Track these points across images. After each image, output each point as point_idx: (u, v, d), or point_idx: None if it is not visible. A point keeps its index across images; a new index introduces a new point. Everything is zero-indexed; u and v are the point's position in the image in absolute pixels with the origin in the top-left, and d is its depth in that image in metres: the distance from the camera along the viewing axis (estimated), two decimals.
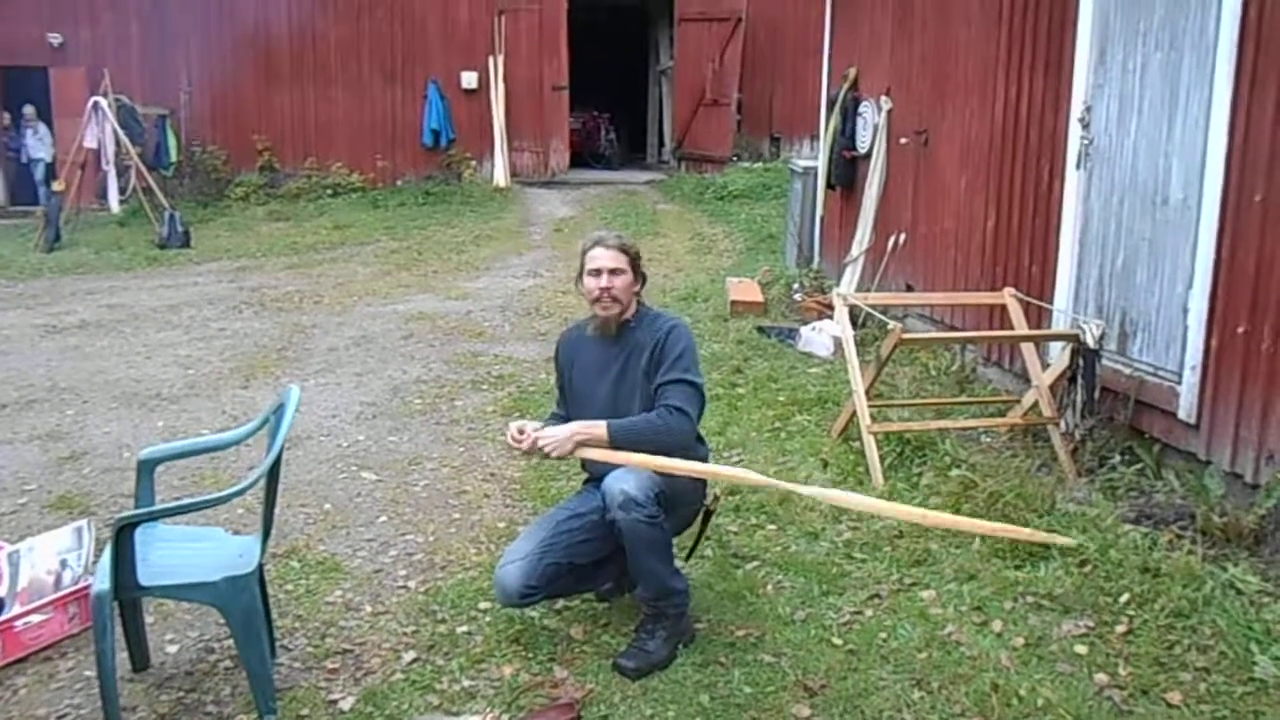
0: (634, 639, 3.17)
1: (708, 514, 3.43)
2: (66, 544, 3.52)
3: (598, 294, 3.25)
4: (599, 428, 3.10)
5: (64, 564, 3.47)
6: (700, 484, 3.37)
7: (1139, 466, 4.28)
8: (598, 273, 3.25)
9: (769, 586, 3.61)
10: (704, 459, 3.39)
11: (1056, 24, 5.17)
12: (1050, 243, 5.24)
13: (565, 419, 3.32)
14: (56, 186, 13.30)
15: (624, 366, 3.28)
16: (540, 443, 3.11)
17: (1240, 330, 3.88)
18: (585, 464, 3.44)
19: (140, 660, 3.14)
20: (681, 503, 3.25)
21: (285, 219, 14.77)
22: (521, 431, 3.16)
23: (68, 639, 3.31)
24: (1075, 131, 4.99)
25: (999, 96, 5.78)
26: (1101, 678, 2.96)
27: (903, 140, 7.34)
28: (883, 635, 3.25)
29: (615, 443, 3.08)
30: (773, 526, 4.11)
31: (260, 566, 2.99)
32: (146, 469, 3.08)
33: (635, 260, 3.31)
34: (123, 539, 2.68)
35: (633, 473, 3.03)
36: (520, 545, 3.25)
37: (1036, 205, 5.39)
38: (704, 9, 17.82)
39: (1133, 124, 4.62)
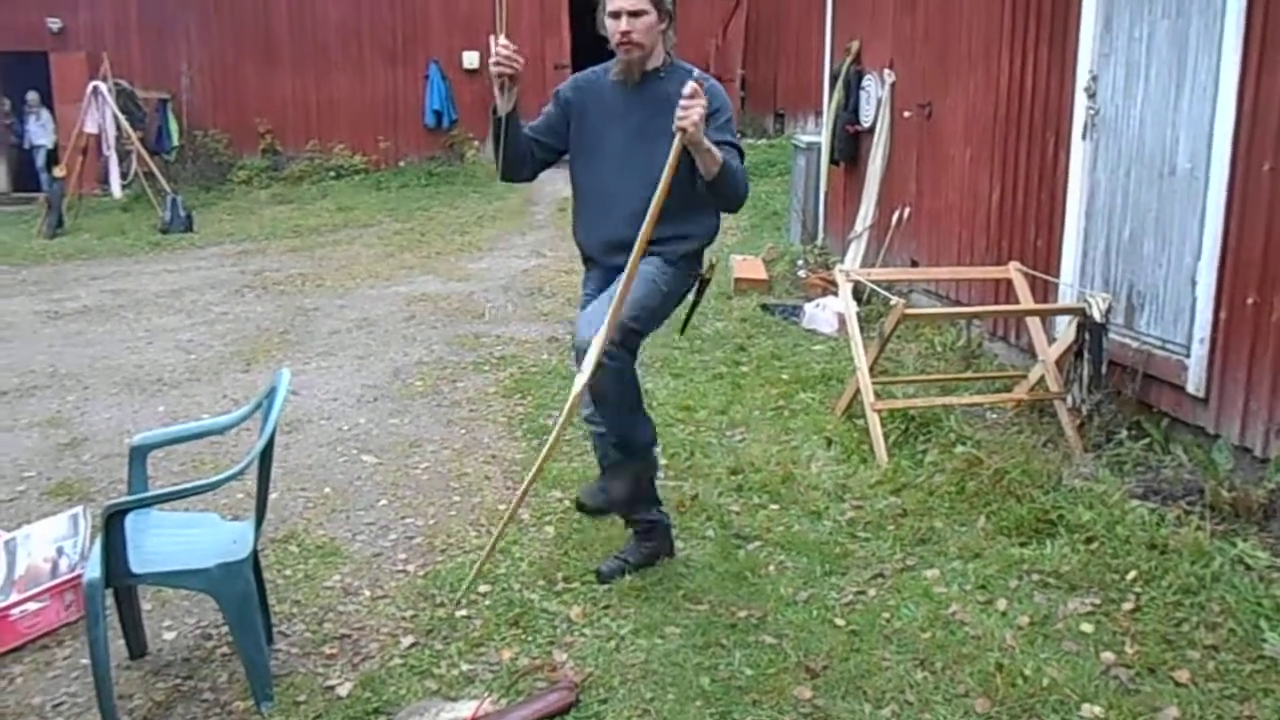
0: (616, 551, 3.44)
1: (703, 283, 3.29)
2: (63, 531, 3.50)
3: (618, 39, 3.00)
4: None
5: (60, 551, 3.44)
6: (691, 267, 3.23)
7: (1146, 441, 4.22)
8: (617, 14, 2.97)
9: (771, 567, 3.57)
10: (715, 230, 3.28)
11: None
12: (1056, 215, 5.16)
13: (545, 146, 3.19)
14: (58, 172, 13.27)
15: (647, 118, 3.04)
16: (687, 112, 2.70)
17: (1250, 302, 3.82)
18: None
19: (137, 647, 3.12)
20: (663, 314, 3.17)
21: (288, 202, 14.73)
22: (518, 50, 2.88)
23: (64, 627, 3.29)
24: (1081, 101, 4.90)
25: (1003, 67, 5.69)
26: (1108, 656, 2.92)
27: (906, 113, 7.25)
28: (886, 615, 3.21)
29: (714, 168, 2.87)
30: (775, 506, 4.07)
31: (255, 552, 2.96)
32: (139, 455, 3.05)
33: None
34: (113, 526, 2.65)
35: (590, 328, 2.90)
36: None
37: (1042, 177, 5.31)
38: None
39: (1139, 93, 4.53)
